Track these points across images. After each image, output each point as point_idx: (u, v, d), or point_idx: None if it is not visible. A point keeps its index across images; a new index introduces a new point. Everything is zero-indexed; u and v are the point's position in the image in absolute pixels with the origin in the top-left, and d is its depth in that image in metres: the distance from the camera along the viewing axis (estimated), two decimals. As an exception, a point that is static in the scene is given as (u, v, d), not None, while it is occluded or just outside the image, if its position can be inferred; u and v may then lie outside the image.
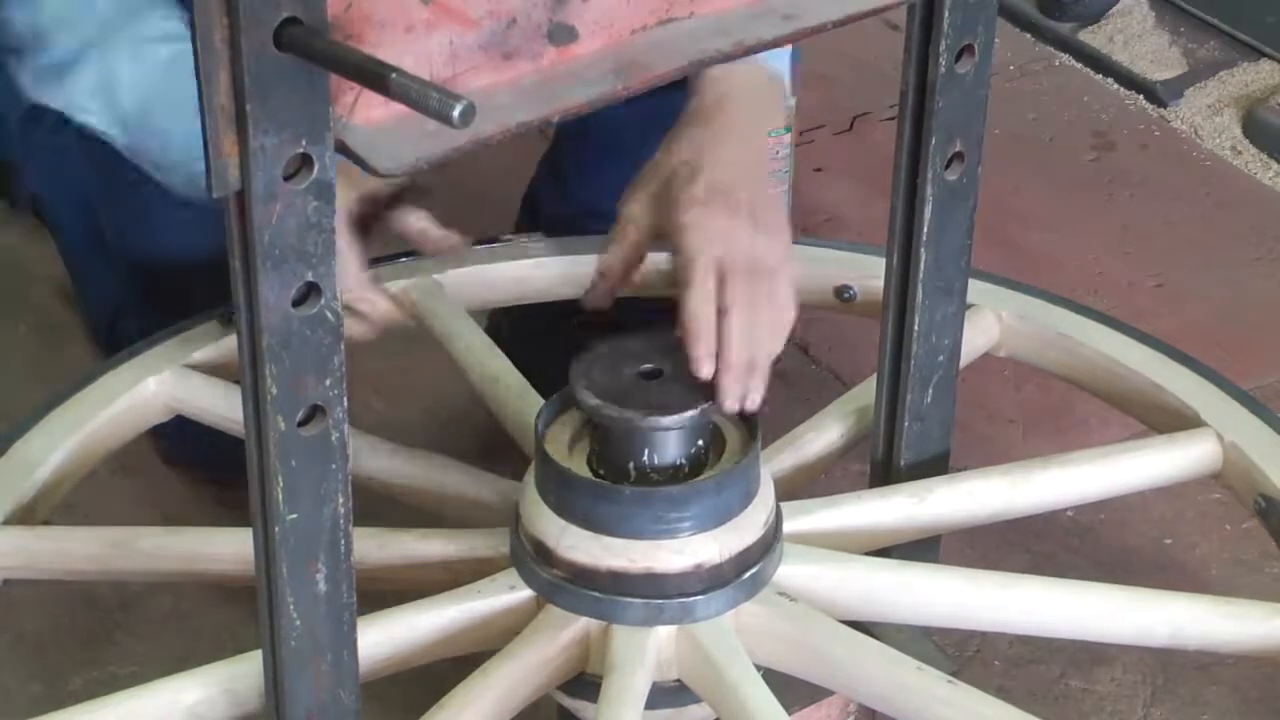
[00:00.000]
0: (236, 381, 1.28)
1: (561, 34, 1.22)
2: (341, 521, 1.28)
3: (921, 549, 1.63)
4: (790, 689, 1.50)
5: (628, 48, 1.24)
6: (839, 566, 1.54)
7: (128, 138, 1.82)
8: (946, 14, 1.44)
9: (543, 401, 1.53)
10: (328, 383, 1.22)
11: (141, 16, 1.78)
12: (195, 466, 1.98)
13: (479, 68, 1.19)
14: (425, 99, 1.04)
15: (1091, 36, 2.81)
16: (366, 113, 1.15)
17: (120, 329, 1.99)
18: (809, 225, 2.37)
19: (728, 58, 1.28)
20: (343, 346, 1.22)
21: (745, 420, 1.51)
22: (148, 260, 1.91)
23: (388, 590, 1.54)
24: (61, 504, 1.66)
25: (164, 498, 1.98)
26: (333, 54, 1.09)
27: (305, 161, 1.14)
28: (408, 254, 1.83)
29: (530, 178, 2.12)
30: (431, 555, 1.56)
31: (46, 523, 1.62)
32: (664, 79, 1.25)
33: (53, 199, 2.14)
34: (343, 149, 1.15)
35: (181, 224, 1.88)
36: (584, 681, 1.49)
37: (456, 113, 1.03)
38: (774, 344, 1.54)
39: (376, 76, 1.06)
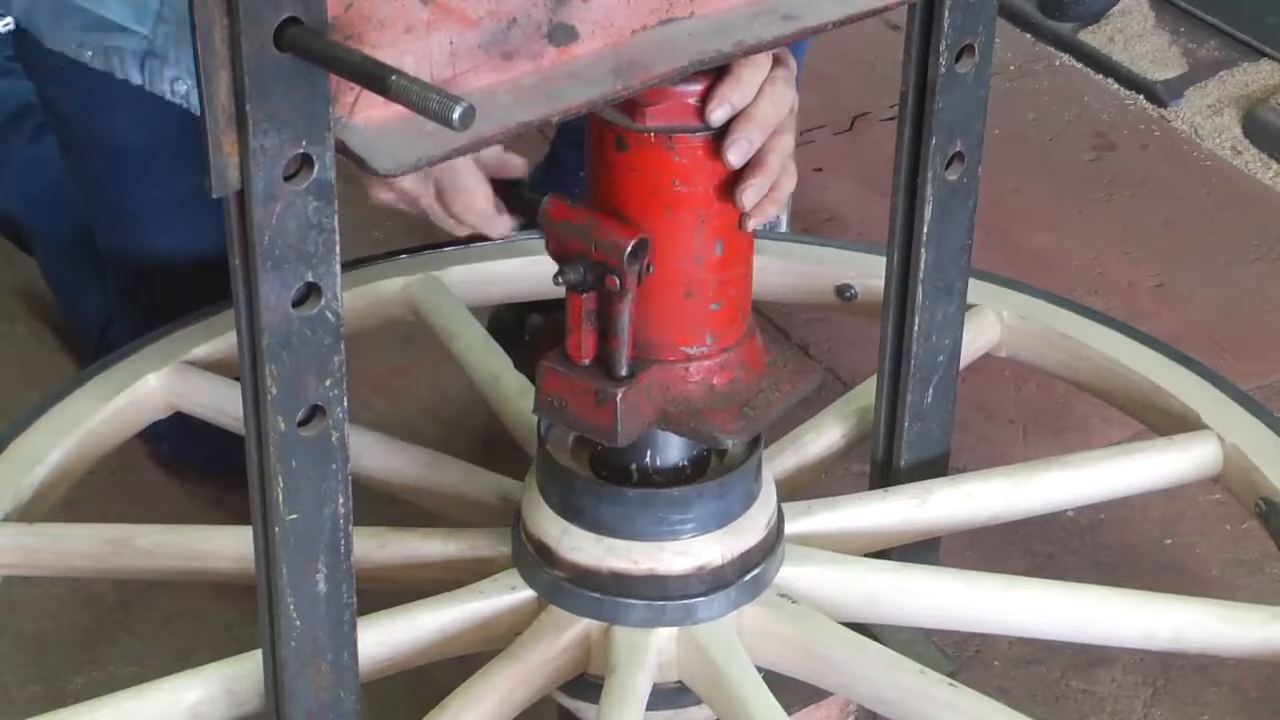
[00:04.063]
0: (236, 378, 1.28)
1: (561, 34, 1.22)
2: (341, 521, 1.28)
3: (922, 550, 1.63)
4: (790, 689, 1.50)
5: (628, 48, 1.24)
6: (840, 568, 1.54)
7: None
8: (946, 14, 1.44)
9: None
10: (328, 383, 1.22)
11: None
12: (192, 465, 1.98)
13: (479, 68, 1.19)
14: (425, 101, 1.04)
15: (1091, 36, 2.80)
16: (366, 113, 1.15)
17: (112, 335, 1.98)
18: (809, 225, 2.37)
19: (728, 58, 1.28)
20: (342, 346, 1.22)
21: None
22: (139, 262, 1.90)
23: (388, 590, 1.54)
24: (61, 503, 1.65)
25: (162, 497, 1.98)
26: (332, 54, 1.08)
27: (305, 161, 1.14)
28: (408, 250, 1.83)
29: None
30: (432, 555, 1.55)
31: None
32: (664, 79, 1.25)
33: (32, 214, 2.12)
34: (342, 149, 1.15)
35: (172, 225, 1.87)
36: (585, 683, 1.49)
37: (456, 115, 1.03)
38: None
39: (376, 78, 1.06)
